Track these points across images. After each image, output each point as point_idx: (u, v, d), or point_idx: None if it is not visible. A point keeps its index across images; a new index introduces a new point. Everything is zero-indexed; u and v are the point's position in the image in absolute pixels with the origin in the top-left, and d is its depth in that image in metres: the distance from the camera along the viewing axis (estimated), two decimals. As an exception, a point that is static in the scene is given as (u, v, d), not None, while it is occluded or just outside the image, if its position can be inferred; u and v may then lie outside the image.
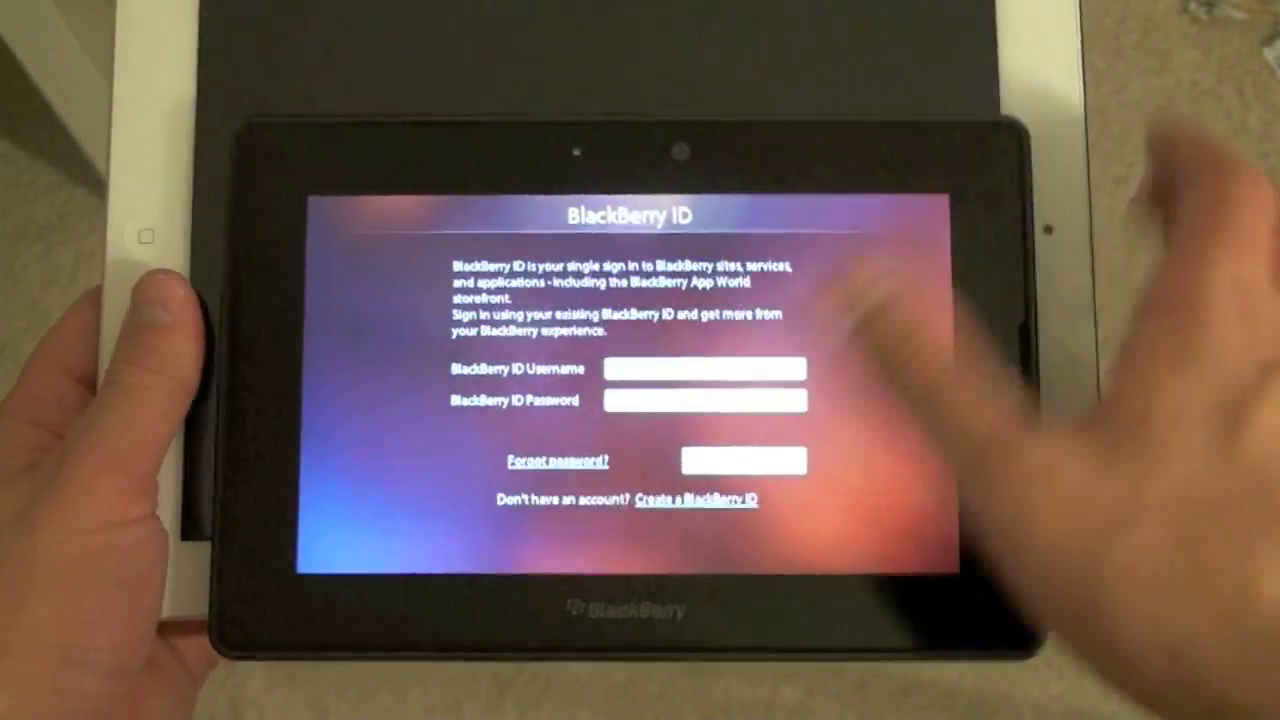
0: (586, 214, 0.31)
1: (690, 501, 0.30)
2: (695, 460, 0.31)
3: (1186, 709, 0.22)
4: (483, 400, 0.30)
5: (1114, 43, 1.43)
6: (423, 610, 0.30)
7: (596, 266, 0.31)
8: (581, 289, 0.31)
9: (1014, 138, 0.32)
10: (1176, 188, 0.27)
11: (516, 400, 0.31)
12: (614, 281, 0.31)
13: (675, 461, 0.31)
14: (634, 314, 0.31)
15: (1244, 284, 0.25)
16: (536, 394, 0.31)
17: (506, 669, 1.05)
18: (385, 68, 0.33)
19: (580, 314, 0.31)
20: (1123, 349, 0.26)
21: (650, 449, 0.30)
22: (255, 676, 1.05)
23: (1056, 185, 0.34)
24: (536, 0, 0.33)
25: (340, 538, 0.30)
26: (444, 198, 0.31)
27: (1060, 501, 0.24)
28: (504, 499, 0.30)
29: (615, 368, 0.31)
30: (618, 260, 0.31)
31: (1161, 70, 1.38)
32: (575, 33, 0.33)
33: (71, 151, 1.13)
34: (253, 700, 1.04)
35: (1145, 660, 0.22)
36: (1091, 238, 0.36)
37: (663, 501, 0.30)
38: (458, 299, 0.31)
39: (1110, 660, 0.23)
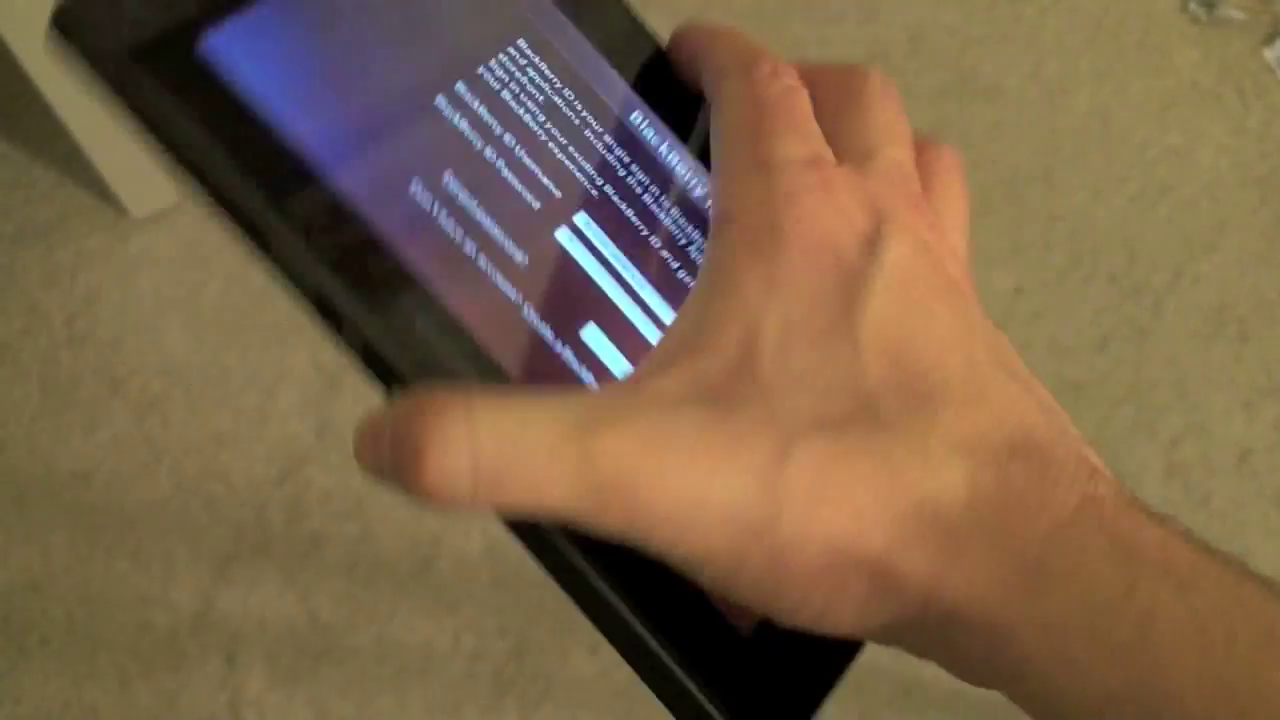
0: (645, 126, 0.30)
1: (566, 356, 0.26)
2: (594, 337, 0.27)
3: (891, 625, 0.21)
4: (465, 128, 0.26)
5: (1114, 43, 1.42)
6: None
7: (627, 158, 0.30)
8: (604, 159, 0.29)
9: None
10: (709, 86, 0.27)
11: (490, 155, 0.26)
12: (636, 178, 0.29)
13: (576, 321, 0.26)
14: (630, 214, 0.28)
15: (814, 162, 0.23)
16: (514, 172, 0.27)
17: (507, 668, 1.05)
18: None
19: (589, 168, 0.28)
20: (705, 268, 0.23)
21: (564, 291, 0.26)
22: (255, 677, 1.05)
23: None
24: None
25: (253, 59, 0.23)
26: None
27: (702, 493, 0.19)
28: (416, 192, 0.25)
29: (584, 221, 0.28)
30: (645, 170, 0.30)
31: (1161, 70, 1.38)
32: None
33: (71, 151, 1.13)
34: (253, 700, 1.04)
35: (846, 582, 0.20)
36: None
37: (545, 331, 0.26)
38: (499, 59, 0.28)
39: (804, 597, 0.21)
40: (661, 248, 0.29)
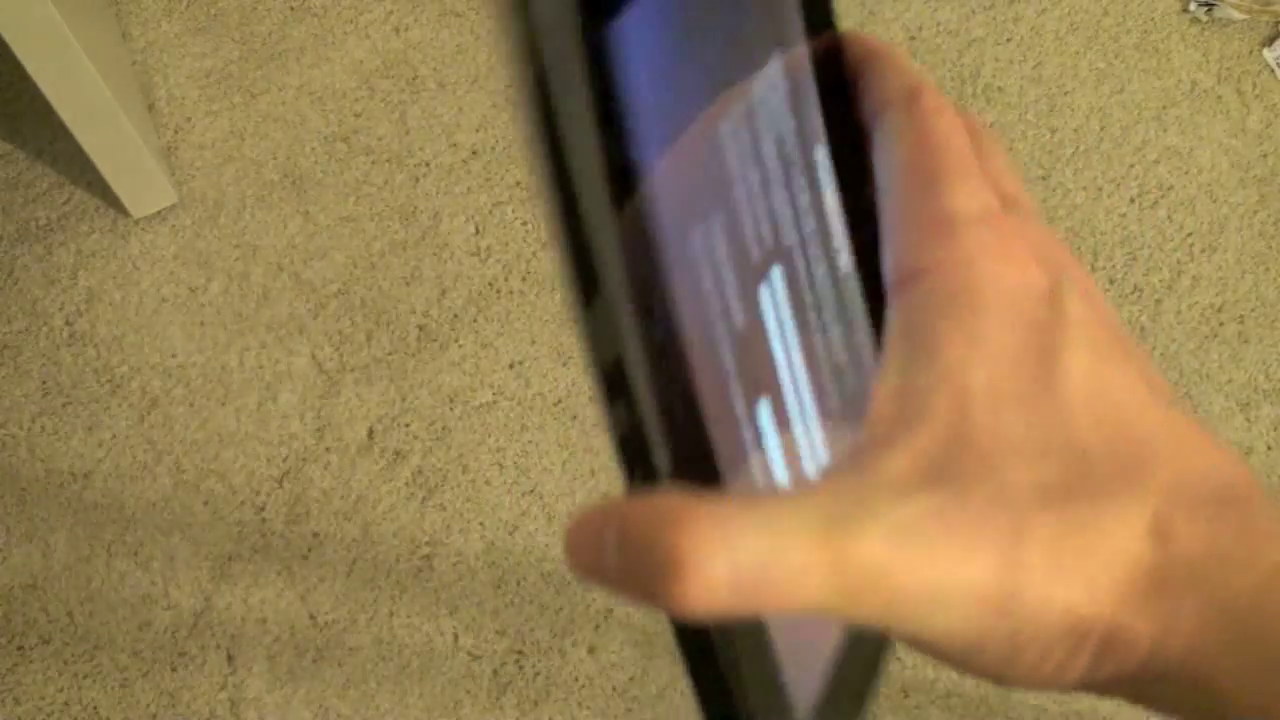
0: None
1: None
2: None
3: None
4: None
5: (1114, 43, 1.43)
6: None
7: None
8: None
9: None
10: (871, 113, 0.26)
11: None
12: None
13: None
14: None
15: (990, 214, 0.23)
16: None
17: (507, 668, 1.05)
18: None
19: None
20: (899, 331, 0.23)
21: None
22: (255, 677, 1.05)
23: None
24: None
25: None
26: None
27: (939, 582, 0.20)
28: None
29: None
30: None
31: (1161, 70, 1.38)
32: None
33: (72, 151, 1.13)
34: (253, 700, 1.04)
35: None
36: None
37: None
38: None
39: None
40: (824, 316, 0.26)
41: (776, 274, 0.24)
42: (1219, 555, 0.21)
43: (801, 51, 0.26)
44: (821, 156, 0.26)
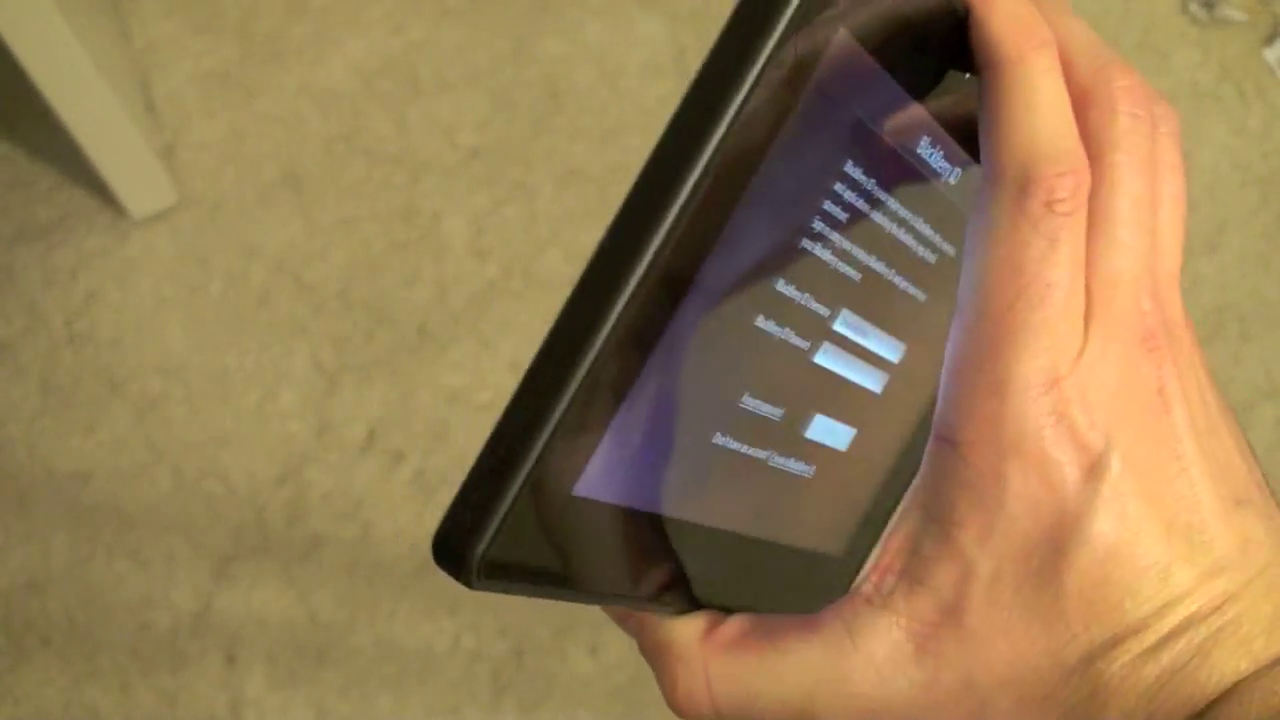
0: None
1: None
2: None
3: None
4: (790, 336, 0.24)
5: (1114, 43, 1.42)
6: (691, 560, 0.25)
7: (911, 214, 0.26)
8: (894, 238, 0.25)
9: None
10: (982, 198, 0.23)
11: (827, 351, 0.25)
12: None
13: None
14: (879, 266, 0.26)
15: (1054, 380, 0.22)
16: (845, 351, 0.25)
17: (507, 668, 1.05)
18: None
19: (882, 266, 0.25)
20: (922, 487, 0.23)
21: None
22: (255, 677, 1.05)
23: None
24: None
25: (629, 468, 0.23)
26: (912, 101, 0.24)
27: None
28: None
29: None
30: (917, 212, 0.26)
31: (1161, 70, 1.38)
32: None
33: (71, 151, 1.13)
34: (253, 700, 1.04)
35: None
36: None
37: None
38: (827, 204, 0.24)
39: None
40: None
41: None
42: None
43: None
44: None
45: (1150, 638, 0.22)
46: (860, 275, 0.25)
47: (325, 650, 1.06)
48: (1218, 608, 0.22)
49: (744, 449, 0.25)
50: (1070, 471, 0.22)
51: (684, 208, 0.20)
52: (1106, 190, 0.22)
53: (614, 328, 0.21)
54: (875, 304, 0.26)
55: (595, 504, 0.22)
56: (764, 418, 0.25)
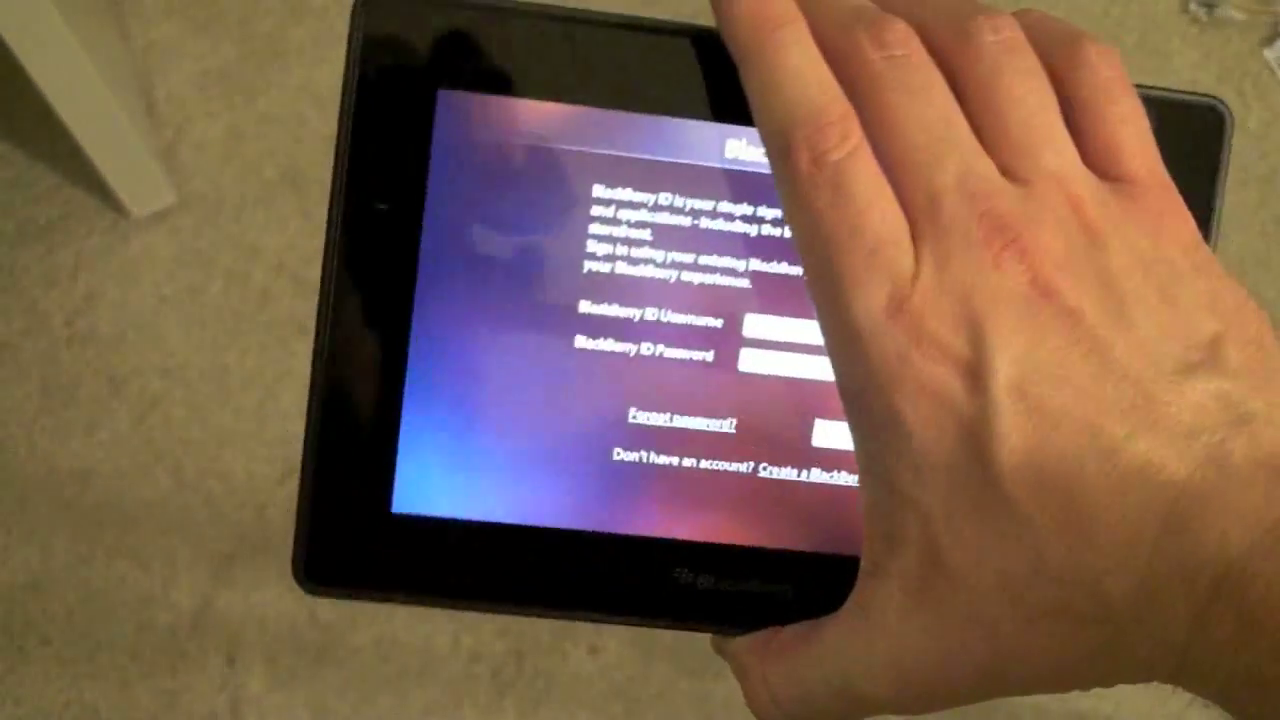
0: (747, 149, 0.27)
1: (816, 476, 0.28)
2: (827, 434, 0.28)
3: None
4: (610, 345, 0.27)
5: (1114, 43, 1.42)
6: (521, 562, 0.27)
7: (750, 210, 0.27)
8: (730, 233, 0.27)
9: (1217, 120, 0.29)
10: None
11: (646, 349, 0.27)
12: (766, 229, 0.27)
13: (806, 433, 0.28)
14: (783, 268, 0.27)
15: (897, 305, 0.22)
16: (668, 344, 0.27)
17: (507, 668, 1.05)
18: None
19: (726, 261, 0.27)
20: (857, 448, 0.24)
21: (782, 417, 0.28)
22: (255, 677, 1.05)
23: None
24: None
25: (440, 478, 0.28)
26: (592, 110, 0.27)
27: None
28: (621, 454, 0.28)
29: (755, 325, 0.28)
30: (774, 206, 0.27)
31: (1161, 70, 1.38)
32: None
33: (71, 151, 1.13)
34: (253, 700, 1.04)
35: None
36: None
37: (787, 473, 0.28)
38: (594, 228, 0.27)
39: None
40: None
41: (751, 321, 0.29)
42: (1155, 592, 0.22)
43: None
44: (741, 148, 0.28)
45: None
46: (678, 275, 0.28)
47: (325, 650, 1.06)
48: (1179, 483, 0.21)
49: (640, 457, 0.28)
50: (951, 382, 0.22)
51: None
52: (880, 119, 0.23)
53: (323, 378, 0.29)
54: (767, 297, 0.28)
55: (426, 519, 0.27)
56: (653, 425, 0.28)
